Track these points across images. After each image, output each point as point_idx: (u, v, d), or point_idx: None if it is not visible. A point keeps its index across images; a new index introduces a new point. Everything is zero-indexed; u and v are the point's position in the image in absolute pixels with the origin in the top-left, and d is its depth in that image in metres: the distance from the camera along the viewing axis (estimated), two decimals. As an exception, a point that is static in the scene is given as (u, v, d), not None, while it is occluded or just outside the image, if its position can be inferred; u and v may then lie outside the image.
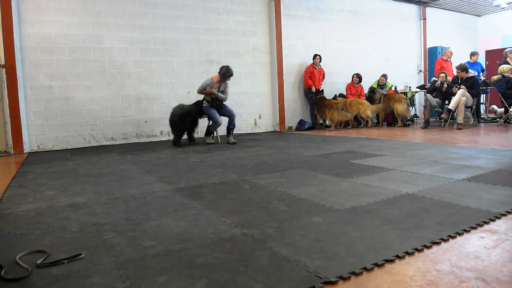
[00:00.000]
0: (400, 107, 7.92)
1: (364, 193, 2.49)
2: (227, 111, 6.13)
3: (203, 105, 6.01)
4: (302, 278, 1.33)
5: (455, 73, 7.37)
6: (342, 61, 9.24)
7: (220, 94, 5.93)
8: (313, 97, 8.17)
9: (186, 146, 5.86)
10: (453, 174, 2.95)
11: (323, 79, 8.56)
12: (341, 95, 8.62)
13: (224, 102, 6.07)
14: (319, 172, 3.28)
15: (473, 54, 8.78)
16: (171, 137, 7.14)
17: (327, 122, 8.33)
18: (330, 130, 7.85)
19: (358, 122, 8.48)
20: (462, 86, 6.97)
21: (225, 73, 5.85)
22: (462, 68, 7.08)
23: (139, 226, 2.00)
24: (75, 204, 2.52)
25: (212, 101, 5.96)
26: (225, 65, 6.00)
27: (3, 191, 3.05)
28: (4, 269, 1.47)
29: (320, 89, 8.28)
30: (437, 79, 7.74)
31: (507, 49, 7.96)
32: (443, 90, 7.41)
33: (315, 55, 8.26)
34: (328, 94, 8.49)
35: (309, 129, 8.34)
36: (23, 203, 2.61)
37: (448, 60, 8.91)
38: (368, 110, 8.09)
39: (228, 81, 6.04)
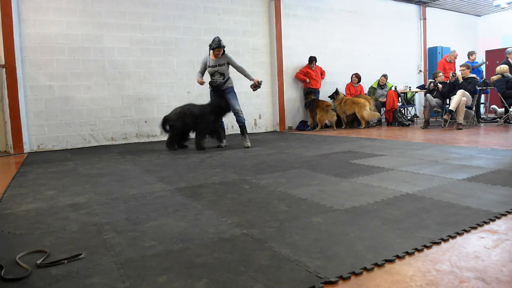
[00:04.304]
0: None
1: (364, 193, 2.49)
2: (230, 103, 5.36)
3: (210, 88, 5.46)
4: (302, 278, 1.33)
5: (458, 72, 7.38)
6: (342, 61, 9.24)
7: (236, 67, 5.32)
8: (306, 91, 8.22)
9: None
10: (453, 174, 2.95)
11: (322, 78, 8.57)
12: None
13: (228, 94, 5.37)
14: (319, 172, 3.28)
15: (470, 53, 8.79)
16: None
17: (328, 122, 8.34)
18: (316, 130, 7.93)
19: (358, 122, 8.43)
20: (458, 74, 7.10)
21: (211, 44, 5.20)
22: (468, 66, 7.27)
23: (139, 226, 1.99)
24: (75, 204, 2.52)
25: (210, 83, 5.39)
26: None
27: (3, 191, 3.05)
28: (4, 269, 1.47)
29: (317, 90, 8.30)
30: (434, 81, 7.76)
31: (508, 49, 7.96)
32: (439, 90, 7.45)
33: (311, 59, 8.22)
34: (328, 94, 8.51)
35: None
36: (23, 203, 2.61)
37: (452, 62, 8.91)
38: (364, 111, 7.91)
39: (228, 55, 5.36)
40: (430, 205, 2.15)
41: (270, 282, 1.31)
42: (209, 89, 5.56)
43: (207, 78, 5.50)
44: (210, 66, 5.36)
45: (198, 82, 5.41)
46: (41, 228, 2.02)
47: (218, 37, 5.26)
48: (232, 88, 5.48)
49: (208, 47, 5.36)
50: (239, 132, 5.66)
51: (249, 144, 5.42)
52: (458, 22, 11.70)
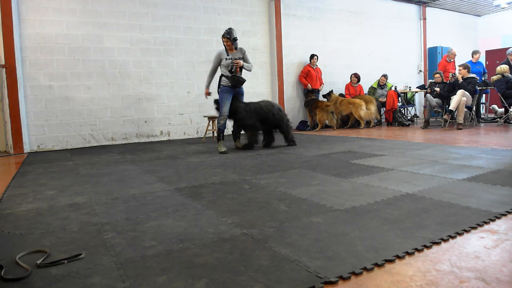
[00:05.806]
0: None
1: (364, 193, 2.49)
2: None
3: (221, 84, 4.98)
4: (302, 278, 1.33)
5: (456, 72, 7.38)
6: (342, 61, 9.24)
7: (245, 63, 4.89)
8: (306, 91, 8.24)
9: (186, 146, 5.86)
10: (453, 174, 2.95)
11: (321, 84, 8.57)
12: (340, 94, 8.56)
13: (241, 96, 5.12)
14: (319, 172, 3.28)
15: (474, 52, 8.73)
16: (172, 137, 7.17)
17: (327, 122, 8.34)
18: (316, 130, 7.90)
19: (357, 122, 8.40)
20: (457, 75, 7.09)
21: (224, 34, 4.82)
22: (465, 66, 7.24)
23: (139, 226, 2.00)
24: (75, 204, 2.52)
25: (233, 78, 4.82)
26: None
27: (3, 191, 3.05)
28: (4, 269, 1.47)
29: (317, 90, 8.31)
30: (433, 81, 7.76)
31: (509, 49, 7.94)
32: (438, 93, 7.45)
33: (312, 55, 8.28)
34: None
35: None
36: (23, 203, 2.61)
37: (451, 61, 8.90)
38: (360, 111, 7.88)
39: (244, 49, 5.06)
40: (430, 205, 2.15)
41: (270, 282, 1.31)
42: (223, 84, 4.98)
43: (210, 81, 5.15)
44: (228, 59, 4.91)
45: (205, 94, 5.07)
46: (41, 228, 2.02)
47: (230, 27, 4.99)
48: (243, 89, 5.20)
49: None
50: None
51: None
52: (458, 22, 11.70)
